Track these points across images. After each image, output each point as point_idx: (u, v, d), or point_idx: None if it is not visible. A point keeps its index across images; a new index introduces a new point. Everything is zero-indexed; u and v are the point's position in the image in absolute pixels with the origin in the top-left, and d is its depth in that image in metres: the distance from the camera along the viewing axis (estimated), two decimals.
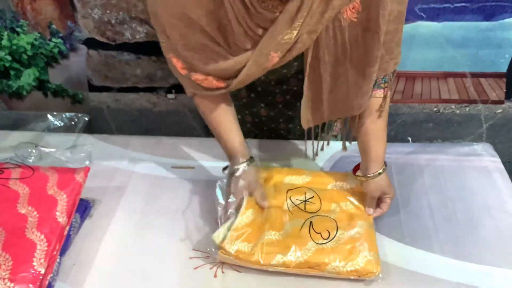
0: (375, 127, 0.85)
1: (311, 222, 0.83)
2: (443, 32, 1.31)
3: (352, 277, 0.76)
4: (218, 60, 0.74)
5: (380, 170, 0.85)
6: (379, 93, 0.83)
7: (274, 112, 1.06)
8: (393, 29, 0.75)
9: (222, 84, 0.78)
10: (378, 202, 0.88)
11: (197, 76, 0.78)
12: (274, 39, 0.70)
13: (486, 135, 1.53)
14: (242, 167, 0.86)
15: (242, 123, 1.11)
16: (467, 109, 1.49)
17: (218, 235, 0.80)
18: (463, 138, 1.54)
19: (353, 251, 0.77)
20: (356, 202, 0.88)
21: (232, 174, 0.86)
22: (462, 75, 1.40)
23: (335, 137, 1.06)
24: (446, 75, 1.41)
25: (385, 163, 0.86)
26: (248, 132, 1.12)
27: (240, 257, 0.77)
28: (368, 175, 0.85)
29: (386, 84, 0.82)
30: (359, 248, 0.77)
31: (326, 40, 0.74)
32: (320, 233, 0.80)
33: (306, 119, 0.85)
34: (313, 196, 0.88)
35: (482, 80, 1.40)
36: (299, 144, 1.08)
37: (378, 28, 0.72)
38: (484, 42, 1.31)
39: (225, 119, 0.89)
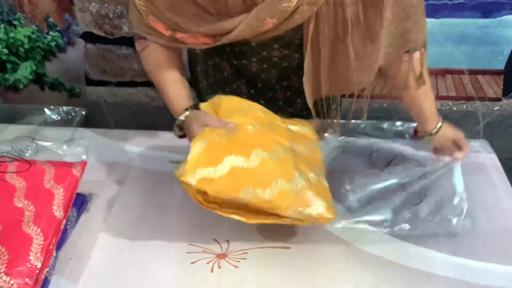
0: (422, 90, 0.88)
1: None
2: (441, 28, 1.31)
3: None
4: (208, 25, 0.74)
5: (439, 125, 0.91)
6: (416, 59, 0.84)
7: (274, 108, 1.06)
8: (416, 2, 0.76)
9: (209, 41, 0.76)
10: (456, 147, 0.92)
11: (182, 35, 0.76)
12: (272, 5, 0.70)
13: (483, 132, 1.54)
14: (187, 113, 0.82)
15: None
16: (465, 106, 1.49)
17: (176, 171, 0.73)
18: None
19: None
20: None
21: (179, 125, 0.83)
22: (460, 72, 1.40)
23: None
24: (444, 72, 1.41)
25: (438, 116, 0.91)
26: None
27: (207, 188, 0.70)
28: (432, 133, 0.91)
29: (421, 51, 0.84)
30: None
31: (326, 15, 0.73)
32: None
33: (309, 96, 0.85)
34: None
35: (480, 77, 1.41)
36: None
37: (381, 4, 0.72)
38: (482, 39, 1.32)
39: (170, 72, 0.86)
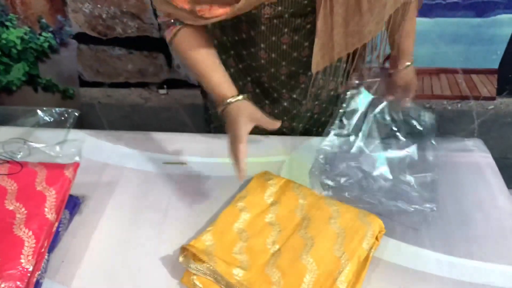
0: (408, 27, 0.94)
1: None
2: (435, 28, 1.31)
3: None
4: None
5: (409, 63, 1.00)
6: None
7: (279, 109, 1.06)
8: None
9: (227, 9, 0.76)
10: (404, 90, 1.03)
11: (202, 7, 0.76)
12: None
13: (478, 131, 1.54)
14: (235, 99, 0.81)
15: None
16: (459, 105, 1.50)
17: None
18: (455, 134, 1.54)
19: None
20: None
21: (223, 110, 0.82)
22: (454, 71, 1.41)
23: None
24: (438, 71, 1.41)
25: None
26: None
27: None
28: (399, 68, 1.00)
29: None
30: None
31: None
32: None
33: (316, 62, 0.84)
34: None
35: (474, 76, 1.41)
36: (299, 139, 1.07)
37: None
38: (476, 38, 1.32)
39: (209, 55, 0.85)
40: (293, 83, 0.98)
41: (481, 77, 1.41)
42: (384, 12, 0.81)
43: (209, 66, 0.85)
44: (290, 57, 0.92)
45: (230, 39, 0.96)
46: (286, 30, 0.87)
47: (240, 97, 0.81)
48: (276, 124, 0.82)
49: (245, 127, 0.79)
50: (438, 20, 1.29)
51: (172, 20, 0.84)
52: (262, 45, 0.91)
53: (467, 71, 1.40)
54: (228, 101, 0.81)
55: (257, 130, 1.10)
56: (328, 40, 0.80)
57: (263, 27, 0.87)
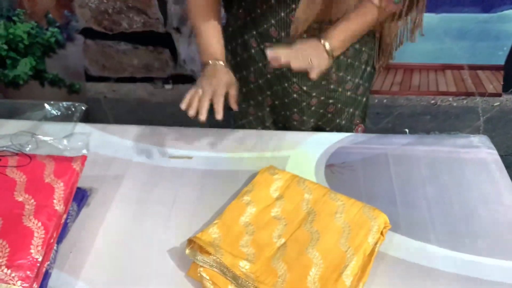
0: (365, 11, 0.92)
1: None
2: (441, 24, 1.31)
3: None
4: None
5: (327, 46, 0.91)
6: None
7: (288, 99, 1.07)
8: None
9: None
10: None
11: None
12: None
13: (483, 128, 1.54)
14: (218, 63, 0.95)
15: (262, 104, 1.13)
16: (465, 101, 1.49)
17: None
18: (460, 130, 1.54)
19: None
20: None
21: (203, 68, 0.95)
22: (460, 68, 1.40)
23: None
24: (443, 67, 1.41)
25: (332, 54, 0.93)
26: (266, 116, 1.12)
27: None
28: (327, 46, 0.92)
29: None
30: None
31: None
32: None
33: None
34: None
35: (480, 72, 1.41)
36: (305, 134, 1.08)
37: None
38: (482, 34, 1.32)
39: (212, 17, 0.96)
40: (296, 73, 0.99)
41: (487, 73, 1.41)
42: None
43: (201, 28, 0.96)
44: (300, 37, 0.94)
45: (252, 14, 1.01)
46: (294, 6, 0.91)
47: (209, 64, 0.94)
48: (234, 107, 0.94)
49: (225, 84, 0.91)
50: (444, 16, 1.29)
51: None
52: (272, 21, 0.96)
53: (473, 67, 1.40)
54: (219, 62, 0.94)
55: (268, 117, 1.12)
56: (312, 3, 0.87)
57: (273, 1, 0.93)
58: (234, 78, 0.96)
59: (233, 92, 0.94)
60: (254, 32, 1.02)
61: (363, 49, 1.03)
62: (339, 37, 0.93)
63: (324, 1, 0.89)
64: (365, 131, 1.16)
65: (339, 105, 1.08)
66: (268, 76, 1.05)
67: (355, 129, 1.13)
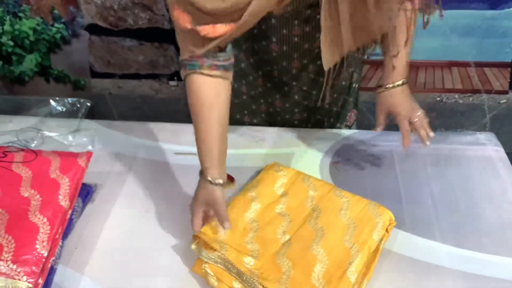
0: (400, 39, 0.84)
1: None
2: (447, 20, 1.30)
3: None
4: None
5: (399, 82, 0.84)
6: (408, 5, 0.81)
7: (289, 103, 1.06)
8: None
9: (233, 27, 0.70)
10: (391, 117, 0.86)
11: (204, 27, 0.70)
12: None
13: (490, 125, 1.53)
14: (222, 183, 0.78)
15: (257, 112, 1.10)
16: (471, 99, 1.48)
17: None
18: (466, 128, 1.53)
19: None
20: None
21: (204, 180, 0.78)
22: (466, 65, 1.39)
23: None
24: (450, 64, 1.40)
25: (407, 80, 0.85)
26: (262, 122, 1.11)
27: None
28: (387, 85, 0.84)
29: None
30: None
31: None
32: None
33: (327, 60, 0.79)
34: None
35: (486, 69, 1.40)
36: (309, 131, 1.08)
37: None
38: (489, 31, 1.30)
39: (211, 116, 0.77)
40: (304, 74, 0.98)
41: (494, 70, 1.40)
42: (395, 8, 0.79)
43: (219, 137, 0.78)
44: (301, 49, 0.92)
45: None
46: (296, 22, 0.86)
47: (210, 185, 0.78)
48: (226, 225, 0.77)
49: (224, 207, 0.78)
50: (450, 12, 1.28)
51: (184, 61, 0.76)
52: (273, 39, 0.90)
53: (479, 64, 1.39)
54: (217, 181, 0.78)
55: (267, 124, 1.11)
56: (336, 36, 0.78)
57: (273, 21, 0.87)
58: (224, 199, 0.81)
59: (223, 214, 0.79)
60: (256, 47, 0.95)
61: None
62: (406, 65, 0.87)
63: (352, 31, 0.79)
64: (357, 114, 1.16)
65: (335, 95, 1.08)
66: (268, 85, 1.05)
67: (348, 115, 1.12)
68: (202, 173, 0.80)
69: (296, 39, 0.90)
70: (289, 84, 1.02)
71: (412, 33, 0.85)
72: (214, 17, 0.69)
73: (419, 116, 0.88)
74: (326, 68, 0.80)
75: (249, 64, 1.01)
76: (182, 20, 0.71)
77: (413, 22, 0.83)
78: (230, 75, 0.77)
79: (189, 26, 0.71)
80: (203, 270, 0.74)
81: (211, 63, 0.75)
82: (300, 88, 1.03)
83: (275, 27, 0.88)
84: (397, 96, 0.86)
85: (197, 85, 0.75)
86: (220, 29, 0.71)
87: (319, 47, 0.90)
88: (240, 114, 1.10)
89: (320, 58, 0.85)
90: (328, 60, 0.80)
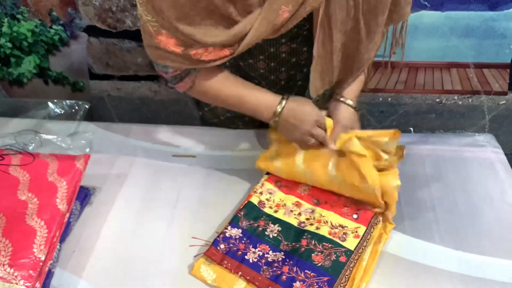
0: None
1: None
2: (446, 21, 1.29)
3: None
4: (224, 32, 0.68)
5: (353, 104, 0.87)
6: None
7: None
8: None
9: (227, 52, 0.71)
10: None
11: (196, 50, 0.70)
12: None
13: (489, 126, 1.53)
14: (284, 102, 0.80)
15: (248, 124, 1.09)
16: (470, 100, 1.48)
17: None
18: (466, 129, 1.53)
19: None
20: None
21: (276, 118, 0.80)
22: (466, 66, 1.39)
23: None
24: (449, 66, 1.40)
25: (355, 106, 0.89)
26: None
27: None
28: (350, 102, 0.86)
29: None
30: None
31: None
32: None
33: (316, 87, 0.80)
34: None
35: (486, 71, 1.39)
36: None
37: None
38: (488, 32, 1.30)
39: (235, 83, 0.82)
40: (291, 83, 0.98)
41: (493, 71, 1.40)
42: (380, 37, 0.80)
43: (243, 92, 0.81)
44: (289, 63, 0.91)
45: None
46: (284, 40, 0.85)
47: (284, 102, 0.80)
48: (332, 146, 0.83)
49: (312, 114, 0.80)
50: (449, 14, 1.28)
51: (180, 72, 0.78)
52: (260, 57, 0.89)
53: (478, 66, 1.39)
54: (283, 103, 0.80)
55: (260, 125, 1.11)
56: (328, 65, 0.79)
57: (260, 42, 0.86)
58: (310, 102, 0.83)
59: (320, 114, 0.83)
60: (241, 64, 0.93)
61: None
62: (355, 91, 0.89)
63: (343, 61, 0.81)
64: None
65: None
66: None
67: None
68: (281, 106, 0.80)
69: (283, 55, 0.89)
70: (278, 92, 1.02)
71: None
72: (207, 45, 0.70)
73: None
74: (313, 95, 0.82)
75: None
76: (171, 44, 0.70)
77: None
78: None
79: (178, 50, 0.71)
80: (201, 274, 0.74)
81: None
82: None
83: (262, 47, 0.87)
84: (355, 114, 0.89)
85: (208, 75, 0.79)
86: (215, 53, 0.71)
87: (306, 58, 0.90)
88: (234, 126, 1.09)
89: (307, 66, 0.85)
90: (317, 88, 0.81)
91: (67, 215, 0.80)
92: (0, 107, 1.51)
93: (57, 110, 1.13)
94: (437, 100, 1.49)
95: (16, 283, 0.68)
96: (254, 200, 0.87)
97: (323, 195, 0.87)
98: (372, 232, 0.80)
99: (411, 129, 1.49)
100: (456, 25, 1.30)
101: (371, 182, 0.79)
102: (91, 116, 1.14)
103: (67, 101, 1.14)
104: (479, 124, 1.52)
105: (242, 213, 0.83)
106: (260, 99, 0.81)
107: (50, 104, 1.13)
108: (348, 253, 0.76)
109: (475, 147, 1.02)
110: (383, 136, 0.81)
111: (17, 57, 1.53)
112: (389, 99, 1.03)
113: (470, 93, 1.46)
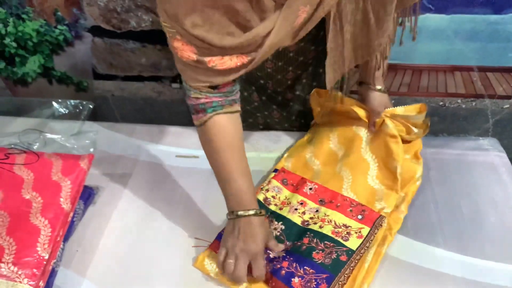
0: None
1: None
2: (451, 24, 1.29)
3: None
4: (243, 28, 0.64)
5: (384, 88, 0.93)
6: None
7: (286, 110, 1.05)
8: None
9: (245, 60, 0.68)
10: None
11: (211, 58, 0.67)
12: None
13: (492, 130, 1.52)
14: (253, 212, 0.75)
15: (254, 124, 1.10)
16: (474, 103, 1.48)
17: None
18: (469, 133, 1.52)
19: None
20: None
21: (238, 220, 0.75)
22: (469, 69, 1.39)
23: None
24: (453, 69, 1.40)
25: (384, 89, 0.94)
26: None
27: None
28: (378, 87, 0.92)
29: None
30: None
31: None
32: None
33: (330, 80, 0.78)
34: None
35: (490, 74, 1.39)
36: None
37: None
38: (492, 35, 1.30)
39: (239, 155, 0.78)
40: (298, 82, 0.98)
41: (497, 75, 1.39)
42: (390, 24, 0.79)
43: (238, 170, 0.76)
44: (296, 62, 0.92)
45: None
46: (290, 68, 0.86)
47: (262, 211, 0.76)
48: (280, 247, 0.78)
49: (263, 243, 0.74)
50: (454, 17, 1.27)
51: (201, 105, 0.74)
52: (269, 56, 0.89)
53: (482, 69, 1.38)
54: (252, 212, 0.75)
55: (274, 126, 1.11)
56: (339, 56, 0.79)
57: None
58: (268, 227, 0.80)
59: (272, 243, 0.78)
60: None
61: None
62: (379, 73, 0.93)
63: (353, 50, 0.80)
64: None
65: None
66: (263, 98, 1.05)
67: None
68: (247, 213, 0.75)
69: (291, 54, 0.90)
70: (284, 94, 1.01)
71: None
72: (224, 50, 0.66)
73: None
74: (328, 87, 0.80)
75: (242, 81, 1.00)
76: (186, 51, 0.67)
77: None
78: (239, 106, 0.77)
79: (194, 57, 0.67)
80: (205, 266, 0.74)
81: (231, 99, 0.74)
82: (294, 95, 1.02)
83: None
84: (381, 99, 0.93)
85: (223, 125, 0.75)
86: (229, 61, 0.67)
87: (313, 57, 0.90)
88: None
89: (313, 65, 0.85)
90: (330, 80, 0.80)
91: (71, 214, 0.80)
92: (5, 106, 1.51)
93: (61, 110, 1.14)
94: (441, 103, 1.49)
95: (20, 282, 0.68)
96: (260, 197, 0.87)
97: (328, 195, 0.87)
98: (375, 234, 0.80)
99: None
100: (460, 28, 1.29)
101: (398, 159, 0.87)
102: (95, 116, 1.15)
103: (71, 101, 1.15)
104: (482, 128, 1.52)
105: None
106: (240, 192, 0.76)
107: (54, 103, 1.14)
108: (350, 252, 0.75)
109: (479, 151, 1.02)
110: (412, 111, 0.92)
111: (21, 57, 1.54)
112: (393, 101, 1.03)
113: (473, 97, 1.46)
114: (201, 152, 1.02)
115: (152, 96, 1.62)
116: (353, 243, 0.77)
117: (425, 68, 1.41)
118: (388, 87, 0.98)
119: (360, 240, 0.78)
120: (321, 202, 0.86)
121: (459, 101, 1.48)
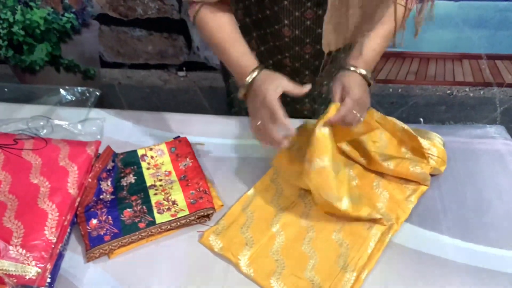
0: (384, 29, 0.83)
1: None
2: (459, 12, 1.28)
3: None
4: None
5: (364, 72, 0.80)
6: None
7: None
8: None
9: None
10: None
11: None
12: None
13: (500, 119, 1.51)
14: (256, 72, 0.77)
15: None
16: (482, 92, 1.46)
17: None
18: (477, 121, 1.52)
19: None
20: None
21: (248, 87, 0.78)
22: (478, 57, 1.38)
23: None
24: (461, 57, 1.38)
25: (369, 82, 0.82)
26: None
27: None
28: (349, 68, 0.80)
29: None
30: None
31: None
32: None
33: (328, 41, 0.77)
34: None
35: (498, 62, 1.38)
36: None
37: None
38: (502, 23, 1.28)
39: (230, 31, 0.83)
40: (317, 63, 0.97)
41: (506, 63, 1.38)
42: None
43: (230, 41, 0.82)
44: (314, 34, 0.91)
45: (254, 18, 0.94)
46: (309, 4, 0.85)
47: (256, 72, 0.79)
48: (304, 89, 0.77)
49: (275, 95, 0.75)
50: (462, 4, 1.26)
51: None
52: (285, 21, 0.89)
53: (491, 57, 1.37)
54: (254, 73, 0.78)
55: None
56: (343, 19, 0.77)
57: (286, 2, 0.86)
58: (279, 76, 0.79)
59: (291, 86, 0.78)
60: (268, 31, 0.94)
61: None
62: (374, 58, 0.84)
63: (360, 18, 0.78)
64: None
65: (331, 84, 1.07)
66: (288, 68, 1.04)
67: None
68: (251, 71, 0.78)
69: (308, 22, 0.89)
70: (301, 73, 1.00)
71: (391, 30, 0.84)
72: None
73: (361, 115, 0.81)
74: (326, 50, 0.78)
75: (260, 53, 1.00)
76: None
77: (400, 18, 0.81)
78: None
79: None
80: (210, 242, 0.77)
81: None
82: (311, 78, 1.02)
83: (287, 9, 0.87)
84: (353, 81, 0.80)
85: (212, 11, 0.81)
86: None
87: None
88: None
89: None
90: (329, 42, 0.78)
91: (78, 199, 0.81)
92: (13, 93, 1.53)
93: (69, 97, 1.14)
94: (448, 91, 1.48)
95: (28, 264, 0.69)
96: (140, 152, 0.94)
97: (198, 177, 0.89)
98: (191, 220, 0.81)
99: (421, 120, 1.49)
100: (469, 15, 1.28)
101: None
102: (101, 104, 1.15)
103: (78, 88, 1.15)
104: (490, 117, 1.51)
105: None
106: (240, 60, 0.80)
107: (61, 90, 1.15)
108: (150, 223, 0.79)
109: (486, 139, 1.02)
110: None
111: (29, 45, 1.55)
112: (399, 90, 1.02)
113: (482, 85, 1.45)
114: (206, 139, 1.04)
115: (158, 85, 1.63)
116: (162, 217, 0.80)
117: (432, 56, 1.39)
118: (392, 78, 0.94)
119: (170, 218, 0.80)
120: (182, 178, 0.89)
121: (467, 89, 1.47)
